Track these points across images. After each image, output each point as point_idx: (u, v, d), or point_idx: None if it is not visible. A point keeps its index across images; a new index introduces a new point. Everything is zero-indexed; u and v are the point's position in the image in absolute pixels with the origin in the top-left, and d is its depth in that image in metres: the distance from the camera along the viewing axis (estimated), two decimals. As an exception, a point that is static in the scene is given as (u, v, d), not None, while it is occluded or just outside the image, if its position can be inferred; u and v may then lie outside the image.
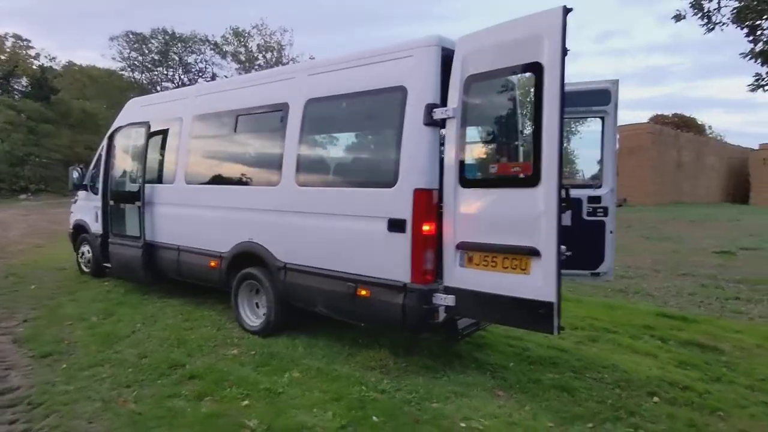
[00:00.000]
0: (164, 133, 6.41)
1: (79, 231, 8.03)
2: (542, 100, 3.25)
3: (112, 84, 37.43)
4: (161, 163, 6.47)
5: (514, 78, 4.72)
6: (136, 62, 38.75)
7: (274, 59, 39.16)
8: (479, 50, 3.65)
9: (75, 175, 7.78)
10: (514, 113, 4.98)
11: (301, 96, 4.78)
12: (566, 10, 3.17)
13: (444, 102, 3.83)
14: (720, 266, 10.01)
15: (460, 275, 3.77)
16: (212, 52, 40.04)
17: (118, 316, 5.75)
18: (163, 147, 6.44)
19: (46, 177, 32.30)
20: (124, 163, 6.96)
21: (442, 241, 3.85)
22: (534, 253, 3.34)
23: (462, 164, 3.73)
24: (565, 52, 3.18)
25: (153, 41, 38.24)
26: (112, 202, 6.81)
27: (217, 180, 5.81)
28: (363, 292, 4.18)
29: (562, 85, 3.18)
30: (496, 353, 4.80)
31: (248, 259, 5.24)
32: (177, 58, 39.57)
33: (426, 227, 3.83)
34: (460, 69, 3.71)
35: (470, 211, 3.69)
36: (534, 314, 3.35)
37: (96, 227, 7.53)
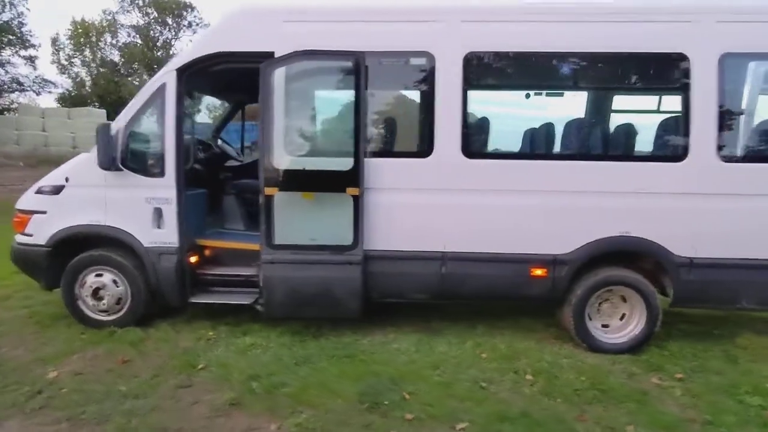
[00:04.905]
0: (370, 73, 3.87)
1: (76, 247, 4.11)
2: None
3: None
4: (385, 124, 3.95)
5: None
6: None
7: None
8: None
9: (109, 141, 3.80)
10: None
11: (709, 47, 3.78)
12: None
13: None
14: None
15: None
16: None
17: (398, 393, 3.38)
18: (377, 97, 3.91)
19: None
20: (290, 124, 3.81)
21: None
22: None
23: None
24: None
25: None
26: (274, 191, 3.71)
27: (554, 153, 4.14)
28: None
29: None
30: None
31: (614, 258, 3.98)
32: None
33: None
34: None
35: None
36: None
37: (154, 236, 4.05)
